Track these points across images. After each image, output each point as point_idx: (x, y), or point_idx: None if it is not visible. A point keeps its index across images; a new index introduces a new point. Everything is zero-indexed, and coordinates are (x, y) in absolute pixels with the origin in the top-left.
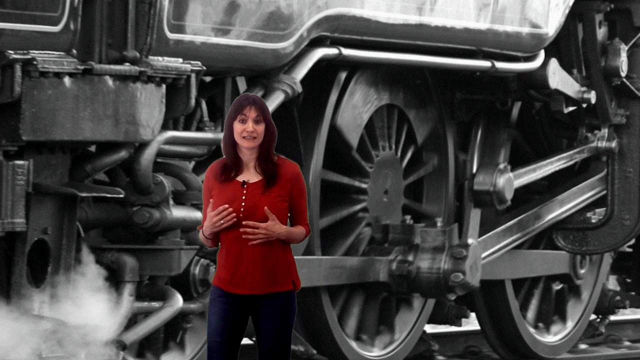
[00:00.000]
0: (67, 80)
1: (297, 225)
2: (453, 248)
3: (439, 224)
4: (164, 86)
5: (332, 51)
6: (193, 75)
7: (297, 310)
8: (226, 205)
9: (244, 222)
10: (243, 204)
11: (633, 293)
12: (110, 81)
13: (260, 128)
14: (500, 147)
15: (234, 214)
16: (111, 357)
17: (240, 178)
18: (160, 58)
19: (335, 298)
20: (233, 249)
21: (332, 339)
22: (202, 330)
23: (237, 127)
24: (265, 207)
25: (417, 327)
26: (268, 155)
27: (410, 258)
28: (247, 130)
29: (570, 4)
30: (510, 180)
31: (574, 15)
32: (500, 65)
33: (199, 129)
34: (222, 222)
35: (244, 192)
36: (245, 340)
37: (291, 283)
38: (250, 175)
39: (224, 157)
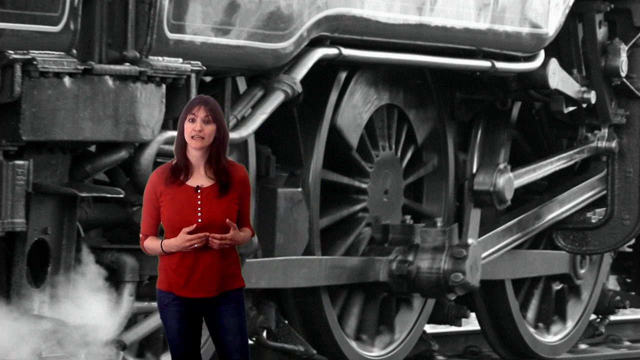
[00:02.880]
0: (67, 80)
1: (244, 228)
2: (453, 248)
3: (439, 224)
4: (164, 86)
5: (332, 51)
6: (193, 75)
7: (297, 310)
8: (193, 227)
9: (210, 235)
10: (199, 209)
11: (633, 293)
12: (110, 81)
13: (209, 128)
14: (500, 147)
15: (206, 235)
16: (111, 357)
17: (191, 182)
18: (160, 58)
19: (335, 298)
20: (189, 255)
21: (332, 339)
22: (202, 330)
23: (186, 126)
24: (228, 220)
25: (417, 327)
26: (219, 158)
27: (410, 258)
28: (194, 130)
29: (570, 4)
30: (510, 180)
31: (574, 15)
32: (500, 65)
33: None
34: (197, 245)
35: (199, 197)
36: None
37: (241, 279)
38: (201, 179)
39: (173, 160)
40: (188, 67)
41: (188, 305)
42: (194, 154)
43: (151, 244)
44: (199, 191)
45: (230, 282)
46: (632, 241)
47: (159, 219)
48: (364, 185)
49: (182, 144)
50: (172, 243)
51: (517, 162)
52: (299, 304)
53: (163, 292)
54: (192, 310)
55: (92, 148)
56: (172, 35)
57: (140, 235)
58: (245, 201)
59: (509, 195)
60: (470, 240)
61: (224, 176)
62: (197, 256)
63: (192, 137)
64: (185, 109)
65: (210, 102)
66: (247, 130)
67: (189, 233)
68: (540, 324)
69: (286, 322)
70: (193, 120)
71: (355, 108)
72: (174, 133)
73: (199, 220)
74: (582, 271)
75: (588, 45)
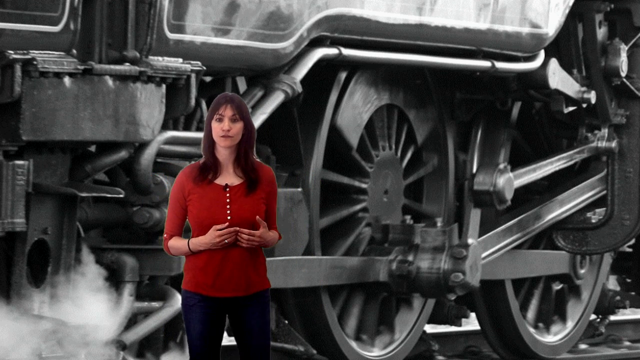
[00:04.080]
0: (67, 80)
1: (272, 230)
2: (453, 248)
3: (439, 224)
4: (164, 86)
5: (332, 51)
6: (193, 75)
7: (297, 310)
8: (225, 225)
9: (239, 230)
10: (228, 207)
11: (633, 293)
12: (110, 81)
13: (237, 127)
14: (500, 147)
15: (236, 230)
16: (111, 357)
17: (219, 181)
18: (160, 58)
19: (335, 298)
20: (217, 253)
21: (332, 339)
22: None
23: (214, 126)
24: (258, 217)
25: (417, 327)
26: (247, 155)
27: (410, 258)
28: (223, 129)
29: (570, 4)
30: (510, 180)
31: (574, 15)
32: (500, 65)
33: (199, 129)
34: (226, 241)
35: (227, 195)
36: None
37: (267, 281)
38: (230, 178)
39: (202, 159)
40: (188, 67)
41: (214, 306)
42: (223, 153)
43: (177, 243)
44: (227, 189)
45: (258, 283)
46: (632, 241)
47: (185, 218)
48: (364, 185)
49: (211, 144)
50: (201, 240)
51: (517, 162)
52: (299, 304)
53: (189, 292)
54: (217, 311)
55: (92, 148)
56: (172, 35)
57: (164, 236)
58: (273, 203)
59: (509, 195)
60: (470, 240)
61: (252, 173)
62: (225, 255)
63: (221, 136)
64: (212, 108)
65: (235, 100)
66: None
67: (230, 237)
68: (540, 324)
69: (286, 322)
70: (220, 120)
71: (355, 108)
72: (174, 133)
73: (228, 217)
74: (582, 271)
75: (588, 45)
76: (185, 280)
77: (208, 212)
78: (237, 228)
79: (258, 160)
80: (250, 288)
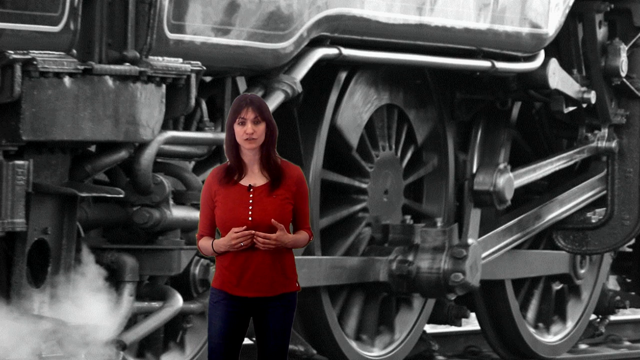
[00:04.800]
0: (67, 80)
1: (300, 231)
2: (453, 248)
3: (439, 224)
4: (164, 86)
5: (332, 51)
6: (193, 75)
7: (297, 310)
8: (243, 228)
9: (255, 233)
10: (251, 207)
11: (633, 293)
12: (110, 81)
13: (260, 128)
14: (500, 147)
15: (252, 233)
16: (111, 357)
17: (244, 181)
18: (160, 58)
19: (335, 298)
20: (241, 253)
21: (332, 339)
22: (202, 330)
23: (237, 129)
24: (273, 220)
25: (417, 327)
26: (269, 154)
27: (410, 258)
28: (246, 132)
29: (570, 4)
30: (510, 180)
31: (574, 15)
32: (500, 65)
33: (199, 129)
34: (242, 244)
35: (251, 196)
36: (245, 340)
37: (295, 284)
38: (255, 178)
39: (227, 160)
40: (188, 67)
41: (238, 305)
42: (248, 154)
43: (205, 243)
44: (251, 190)
45: (282, 285)
46: (632, 241)
47: (214, 219)
48: (364, 185)
49: (234, 146)
50: (220, 242)
51: (517, 162)
52: (299, 303)
53: (215, 289)
54: (241, 311)
55: (92, 148)
56: (172, 35)
57: (197, 235)
58: (302, 202)
59: (509, 195)
60: (470, 240)
61: (276, 173)
62: (248, 256)
63: (245, 139)
64: (233, 111)
65: (255, 102)
66: None
67: (245, 240)
68: (540, 324)
69: None
70: (243, 123)
71: (355, 108)
72: (174, 133)
73: (249, 219)
74: (582, 271)
75: (588, 45)
76: (214, 278)
77: (231, 213)
78: (252, 231)
79: (285, 160)
80: (273, 289)
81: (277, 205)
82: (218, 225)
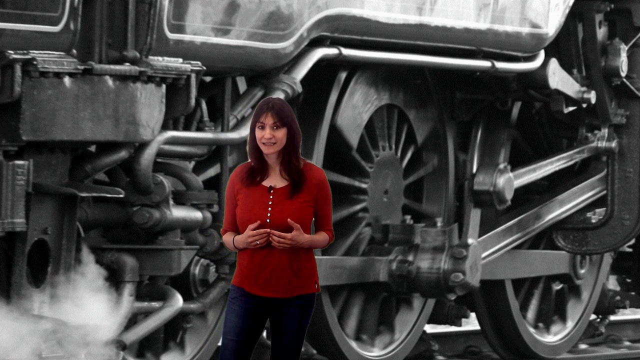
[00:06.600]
0: (67, 80)
1: (320, 232)
2: (453, 248)
3: (439, 224)
4: (164, 86)
5: (332, 51)
6: (193, 75)
7: None
8: (257, 224)
9: (270, 232)
10: (270, 209)
11: (633, 293)
12: (110, 81)
13: (280, 134)
14: (500, 147)
15: (268, 231)
16: (111, 357)
17: (266, 182)
18: (160, 58)
19: (335, 298)
20: (259, 253)
21: (332, 339)
22: (202, 330)
23: (257, 133)
24: (289, 219)
25: (417, 327)
26: (291, 160)
27: (410, 258)
28: (265, 137)
29: (570, 4)
30: (510, 180)
31: (574, 15)
32: (500, 65)
33: (199, 129)
34: (257, 242)
35: (271, 197)
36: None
37: (314, 286)
38: (276, 180)
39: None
40: (188, 67)
41: (254, 303)
42: (270, 157)
43: (227, 239)
44: (271, 191)
45: (299, 287)
46: (632, 241)
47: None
48: (364, 185)
49: (256, 148)
50: (238, 239)
51: (517, 162)
52: None
53: (234, 286)
54: (257, 309)
55: (92, 148)
56: (172, 35)
57: (221, 230)
58: (323, 204)
59: (509, 195)
60: (470, 240)
61: (296, 176)
62: (266, 255)
63: (263, 143)
64: (255, 114)
65: (276, 107)
66: (247, 131)
67: (261, 238)
68: (540, 324)
69: None
70: (262, 128)
71: (355, 108)
72: (174, 133)
73: (268, 220)
74: (582, 271)
75: (588, 45)
76: (234, 275)
77: (250, 212)
78: (268, 230)
79: (309, 162)
80: (289, 291)
81: (296, 208)
82: (238, 224)
